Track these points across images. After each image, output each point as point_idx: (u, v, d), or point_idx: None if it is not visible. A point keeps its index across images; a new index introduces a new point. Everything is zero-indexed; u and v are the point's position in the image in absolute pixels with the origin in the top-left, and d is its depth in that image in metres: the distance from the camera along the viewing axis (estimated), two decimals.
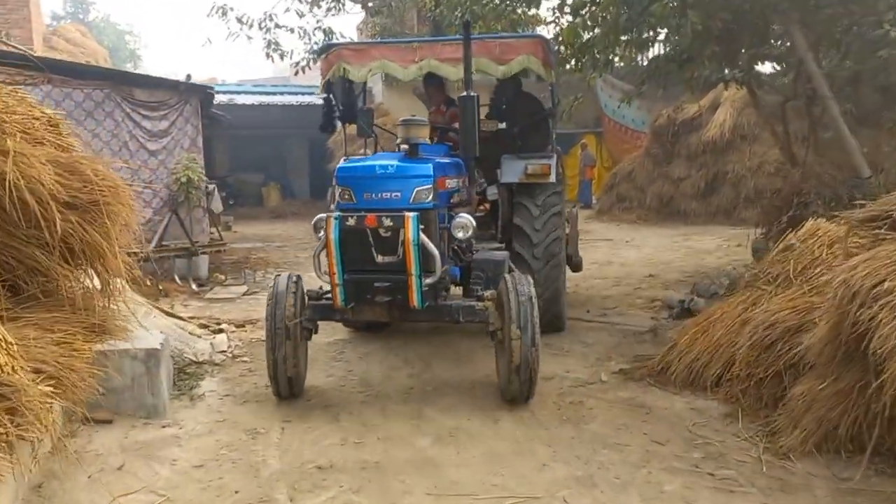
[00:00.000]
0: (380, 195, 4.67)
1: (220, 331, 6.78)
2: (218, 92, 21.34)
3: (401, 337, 6.82)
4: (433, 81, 6.80)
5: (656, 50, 20.06)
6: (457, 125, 5.69)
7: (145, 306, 6.34)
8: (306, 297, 5.04)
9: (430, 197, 4.76)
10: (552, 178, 6.35)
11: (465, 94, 4.91)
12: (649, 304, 8.30)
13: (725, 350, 4.97)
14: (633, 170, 17.99)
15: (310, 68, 14.32)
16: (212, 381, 5.51)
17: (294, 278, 4.98)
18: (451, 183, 5.39)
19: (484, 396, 5.05)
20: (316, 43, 14.61)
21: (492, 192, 6.73)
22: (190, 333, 6.38)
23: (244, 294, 9.59)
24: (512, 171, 6.42)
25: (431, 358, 6.12)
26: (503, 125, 6.74)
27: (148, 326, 5.16)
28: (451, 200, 5.43)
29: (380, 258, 4.64)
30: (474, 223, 4.99)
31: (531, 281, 4.74)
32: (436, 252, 4.55)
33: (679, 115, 17.04)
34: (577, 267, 7.81)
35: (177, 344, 5.87)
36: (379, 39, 6.89)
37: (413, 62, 5.84)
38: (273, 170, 24.85)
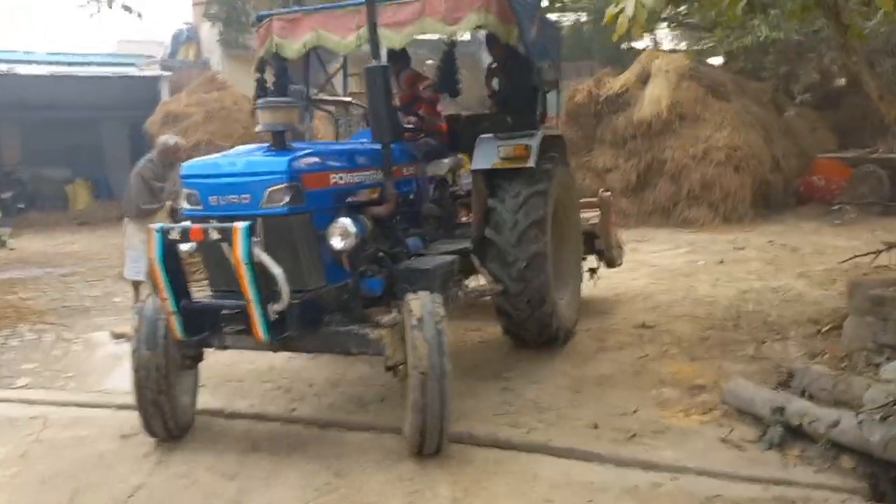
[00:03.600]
0: (226, 199, 3.92)
1: None
2: None
3: None
4: (396, 56, 5.86)
5: None
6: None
7: None
8: None
9: (288, 199, 3.90)
10: (531, 163, 5.24)
11: (371, 64, 4.34)
12: (689, 398, 4.67)
13: None
14: None
15: (99, 12, 9.68)
16: None
17: None
18: (344, 178, 4.38)
19: None
20: None
21: (466, 181, 5.82)
22: None
23: None
24: (484, 155, 5.35)
25: None
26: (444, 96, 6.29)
27: None
28: (349, 200, 4.40)
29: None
30: (354, 229, 4.03)
31: (440, 300, 3.95)
32: (277, 272, 3.67)
33: (602, 90, 13.65)
34: (611, 262, 6.99)
35: None
36: (314, 7, 5.53)
37: (352, 31, 5.09)
38: (84, 162, 19.48)
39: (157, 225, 3.87)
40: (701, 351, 5.57)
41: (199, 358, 4.35)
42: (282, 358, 5.87)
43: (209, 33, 18.16)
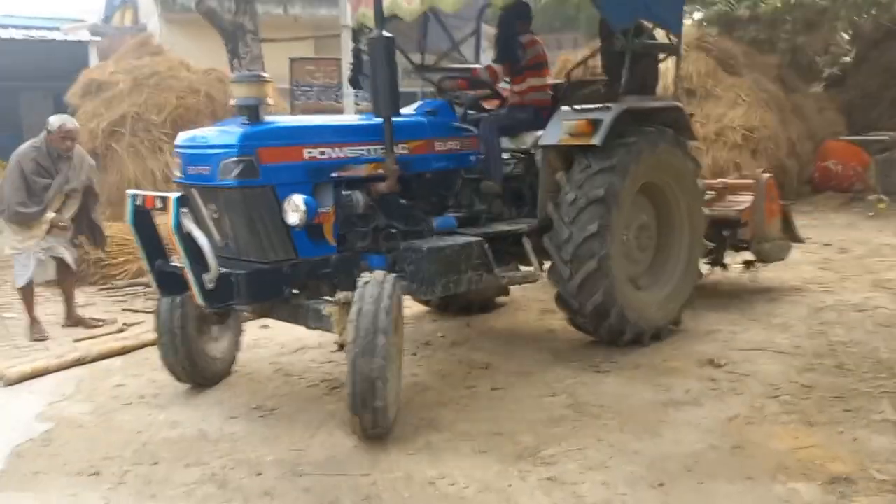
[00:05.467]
0: (197, 169, 4.14)
1: None
2: None
3: None
4: (516, 16, 5.43)
5: None
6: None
7: None
8: None
9: (238, 172, 3.94)
10: (595, 140, 4.74)
11: (373, 34, 4.23)
12: (839, 501, 3.05)
13: None
14: None
15: None
16: None
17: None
18: (326, 153, 4.31)
19: None
20: None
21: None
22: None
23: None
24: (553, 130, 4.96)
25: None
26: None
27: None
28: (335, 174, 4.33)
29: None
30: (304, 206, 3.95)
31: (391, 280, 3.79)
32: (203, 243, 3.83)
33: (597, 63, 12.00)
34: (763, 255, 6.16)
35: None
36: None
37: None
38: (1, 139, 17.23)
39: (131, 191, 4.14)
40: (812, 409, 3.96)
41: (224, 314, 4.51)
42: (217, 419, 4.18)
43: None
